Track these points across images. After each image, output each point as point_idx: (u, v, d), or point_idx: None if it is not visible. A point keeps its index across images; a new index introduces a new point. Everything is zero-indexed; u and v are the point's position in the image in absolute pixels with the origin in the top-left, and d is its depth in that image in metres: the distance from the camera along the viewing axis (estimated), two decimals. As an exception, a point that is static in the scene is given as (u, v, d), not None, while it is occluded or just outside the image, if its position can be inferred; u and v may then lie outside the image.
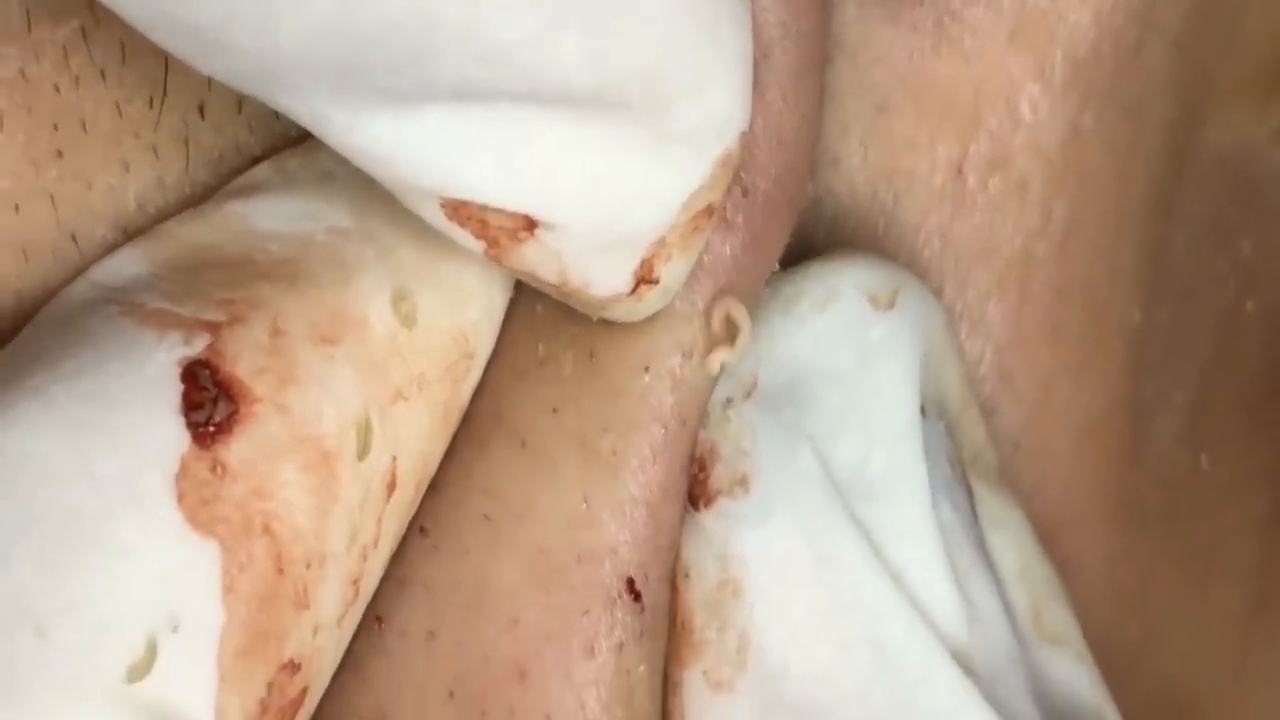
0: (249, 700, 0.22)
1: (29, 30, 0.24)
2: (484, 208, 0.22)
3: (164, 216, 0.25)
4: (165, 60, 0.24)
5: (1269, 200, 0.29)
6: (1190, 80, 0.29)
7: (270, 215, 0.25)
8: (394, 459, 0.24)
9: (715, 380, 0.26)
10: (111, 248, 0.25)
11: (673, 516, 0.26)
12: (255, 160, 0.26)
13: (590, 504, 0.25)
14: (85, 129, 0.24)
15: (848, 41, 0.28)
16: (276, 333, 0.23)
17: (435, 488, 0.25)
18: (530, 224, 0.23)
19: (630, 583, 0.25)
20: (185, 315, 0.23)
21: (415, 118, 0.21)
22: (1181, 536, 0.30)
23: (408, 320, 0.24)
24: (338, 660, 0.24)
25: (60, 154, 0.24)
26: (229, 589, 0.22)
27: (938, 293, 0.28)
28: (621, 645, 0.25)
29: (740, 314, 0.25)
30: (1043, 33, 0.27)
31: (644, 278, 0.24)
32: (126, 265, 0.24)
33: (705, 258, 0.25)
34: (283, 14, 0.20)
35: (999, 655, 0.26)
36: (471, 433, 0.26)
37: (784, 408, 0.26)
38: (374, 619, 0.25)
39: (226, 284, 0.23)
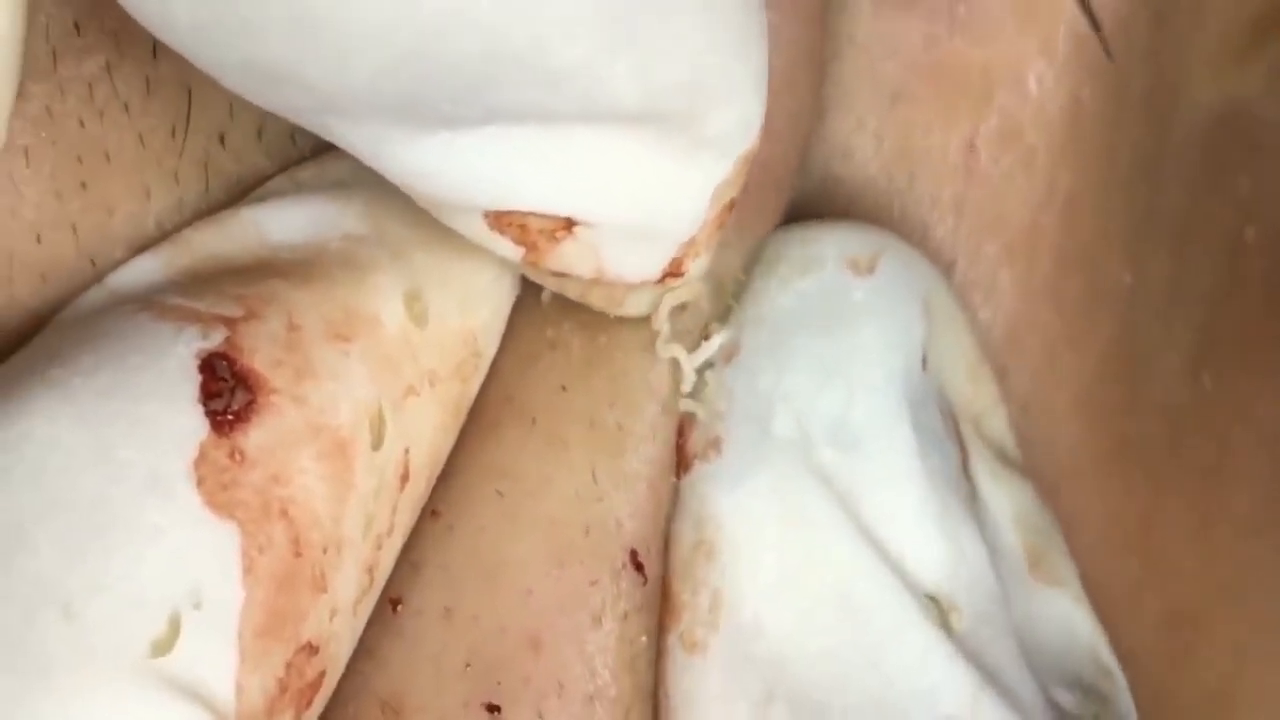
0: (268, 679, 0.23)
1: (55, 68, 0.24)
2: (528, 214, 0.23)
3: None
4: (189, 92, 0.25)
5: (1262, 141, 0.30)
6: (1167, 48, 0.30)
7: (284, 222, 0.25)
8: (406, 451, 0.24)
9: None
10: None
11: (667, 491, 0.27)
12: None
13: (598, 477, 0.26)
14: (109, 160, 0.25)
15: (860, 37, 0.29)
16: (292, 328, 0.24)
17: (445, 474, 0.26)
18: (570, 224, 0.24)
19: (634, 554, 0.26)
20: (202, 310, 0.24)
21: (471, 138, 0.22)
22: (1187, 460, 0.30)
23: (420, 320, 0.25)
24: (353, 646, 0.25)
25: (84, 185, 0.25)
26: (248, 570, 0.22)
27: (950, 266, 0.30)
28: (626, 615, 0.26)
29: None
30: (1048, 10, 0.29)
31: (673, 272, 0.25)
32: (143, 272, 0.25)
33: None
34: (359, 53, 0.20)
35: (983, 598, 0.27)
36: (483, 418, 0.26)
37: (763, 370, 0.27)
38: (389, 603, 0.26)
39: (241, 282, 0.24)
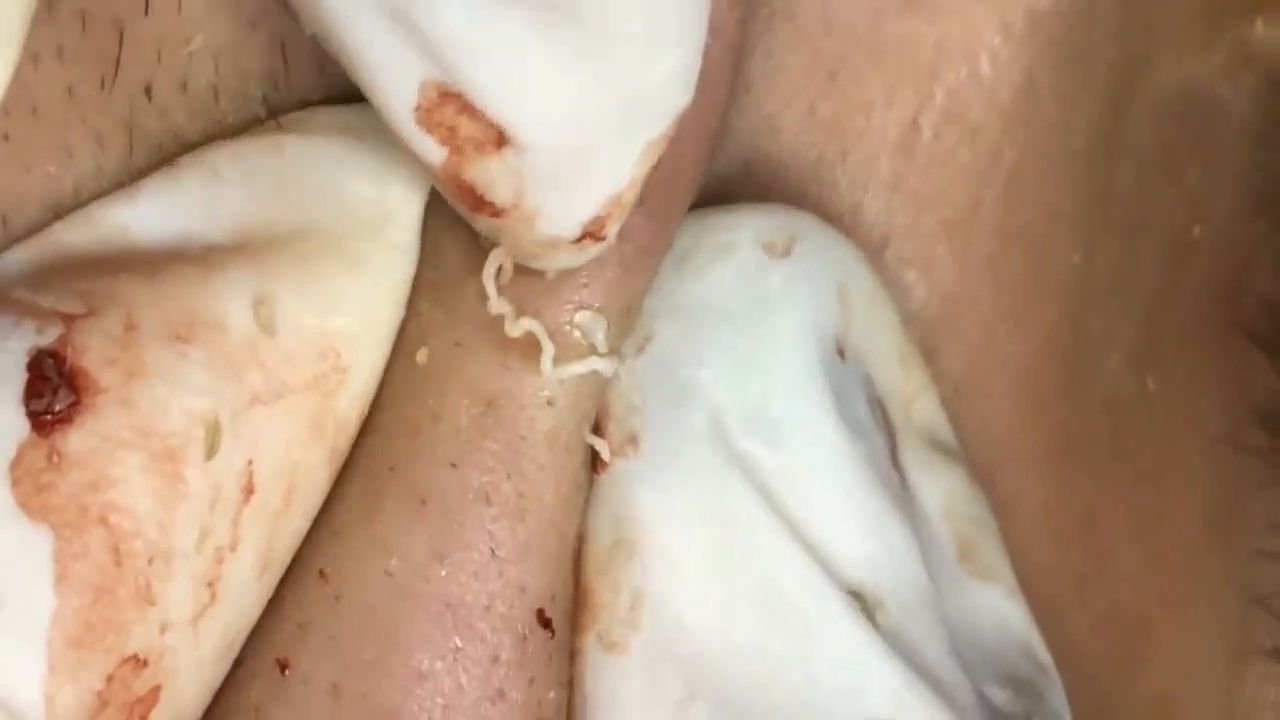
0: (84, 692, 0.22)
1: None
2: (462, 110, 0.22)
3: None
4: (120, 32, 0.25)
5: (1215, 132, 0.29)
6: (1133, 27, 0.29)
7: (149, 221, 0.25)
8: (250, 463, 0.24)
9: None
10: (42, 227, 0.25)
11: (576, 520, 0.26)
12: (191, 149, 0.26)
13: (498, 552, 0.25)
14: (35, 113, 0.24)
15: (799, 13, 0.28)
16: (130, 326, 0.23)
17: (336, 531, 0.25)
18: (501, 139, 0.23)
19: (540, 613, 0.25)
20: (44, 305, 0.23)
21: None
22: (1129, 460, 0.30)
23: (267, 327, 0.24)
24: (200, 664, 0.24)
25: (6, 138, 0.24)
26: (61, 577, 0.22)
27: (883, 244, 0.28)
28: (532, 680, 0.25)
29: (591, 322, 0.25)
30: None
31: (593, 232, 0.24)
32: (10, 264, 0.25)
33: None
34: None
35: (911, 594, 0.26)
36: (367, 482, 0.25)
37: (679, 362, 0.26)
38: (274, 662, 0.25)
39: (90, 277, 0.24)
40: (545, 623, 0.25)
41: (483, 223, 0.24)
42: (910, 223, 0.28)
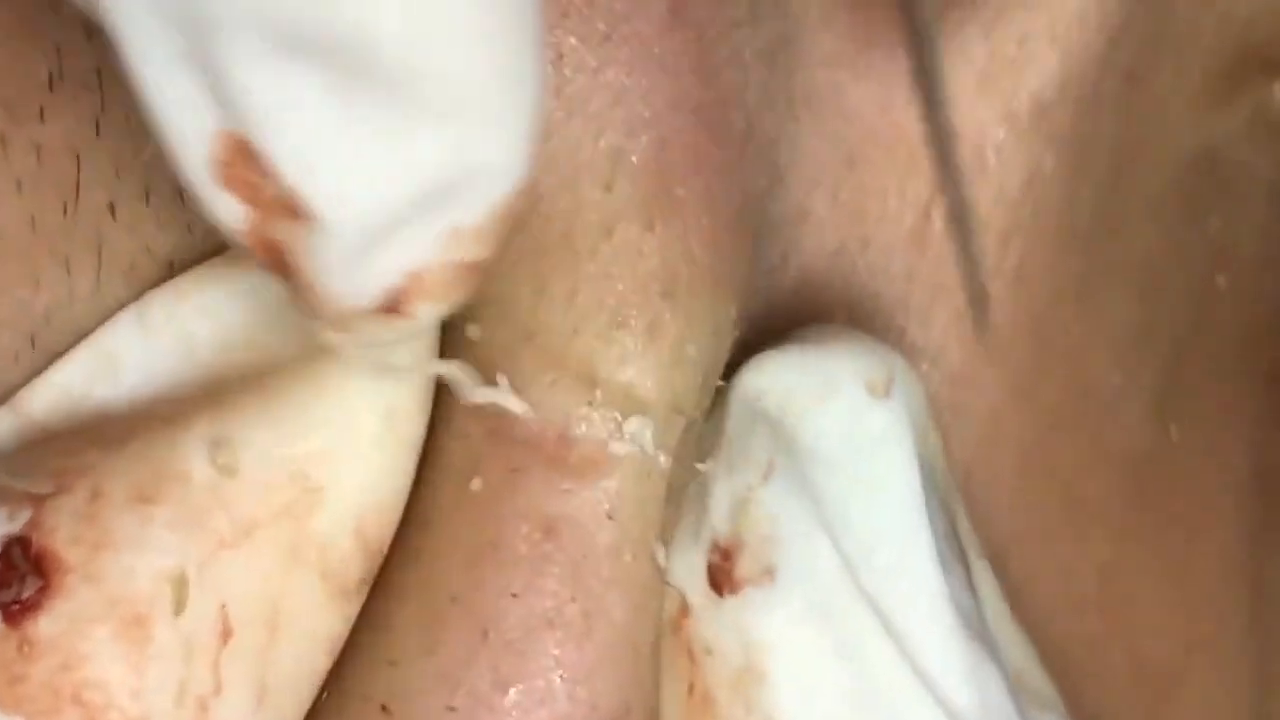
0: None
1: None
2: (259, 169, 0.21)
3: (73, 329, 0.26)
4: (77, 158, 0.25)
5: (1238, 185, 0.29)
6: (1139, 101, 0.29)
7: (117, 380, 0.25)
8: (223, 606, 0.25)
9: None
10: (13, 354, 0.25)
11: (651, 627, 0.26)
12: (168, 265, 0.26)
13: (565, 675, 0.25)
14: None
15: (815, 102, 0.27)
16: (96, 497, 0.24)
17: (394, 662, 0.26)
18: (295, 210, 0.21)
19: None
20: (16, 488, 0.24)
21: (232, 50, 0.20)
22: (1151, 510, 0.30)
23: (227, 469, 0.25)
24: None
25: None
26: (41, 761, 0.23)
27: (901, 332, 0.29)
28: None
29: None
30: (1010, 78, 0.27)
31: (393, 307, 0.22)
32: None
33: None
34: None
35: None
36: (426, 612, 0.25)
37: (800, 494, 0.26)
38: None
39: (63, 453, 0.24)
40: None
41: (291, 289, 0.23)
42: (924, 312, 0.28)
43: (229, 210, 0.22)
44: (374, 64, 0.20)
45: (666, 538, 0.26)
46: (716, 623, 0.26)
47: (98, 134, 0.25)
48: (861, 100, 0.27)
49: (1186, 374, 0.29)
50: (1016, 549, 0.29)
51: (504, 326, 0.26)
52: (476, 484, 0.26)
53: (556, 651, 0.25)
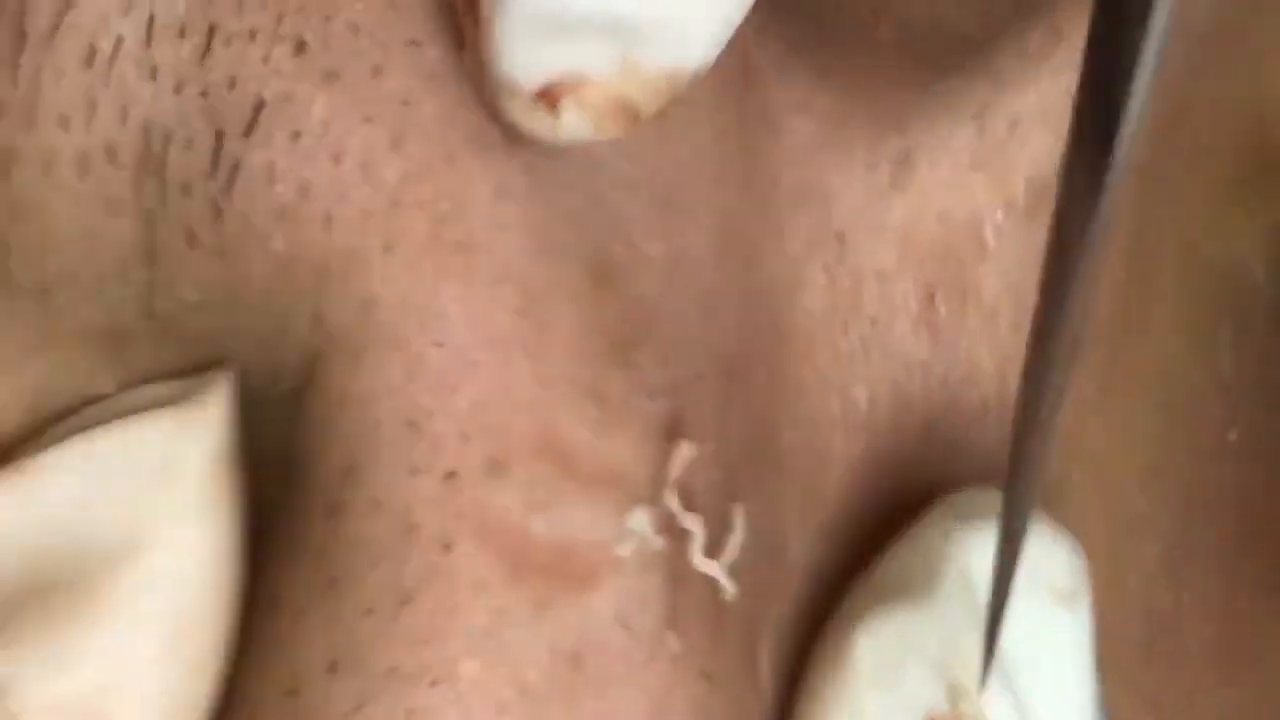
0: None
1: None
2: None
3: None
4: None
5: (1251, 317, 0.29)
6: (1153, 199, 0.28)
7: None
8: None
9: None
10: None
11: None
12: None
13: None
14: None
15: (800, 189, 0.27)
16: None
17: None
18: None
19: None
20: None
21: None
22: (1156, 667, 0.29)
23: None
24: None
25: None
26: None
27: (927, 428, 0.28)
28: None
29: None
30: (1003, 160, 0.27)
31: (550, 96, 0.23)
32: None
33: None
34: None
35: None
36: None
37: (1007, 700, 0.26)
38: None
39: None
40: None
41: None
42: (950, 400, 0.28)
43: None
44: None
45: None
46: None
47: None
48: (846, 185, 0.27)
49: (1197, 538, 0.29)
50: None
51: None
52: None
53: None
